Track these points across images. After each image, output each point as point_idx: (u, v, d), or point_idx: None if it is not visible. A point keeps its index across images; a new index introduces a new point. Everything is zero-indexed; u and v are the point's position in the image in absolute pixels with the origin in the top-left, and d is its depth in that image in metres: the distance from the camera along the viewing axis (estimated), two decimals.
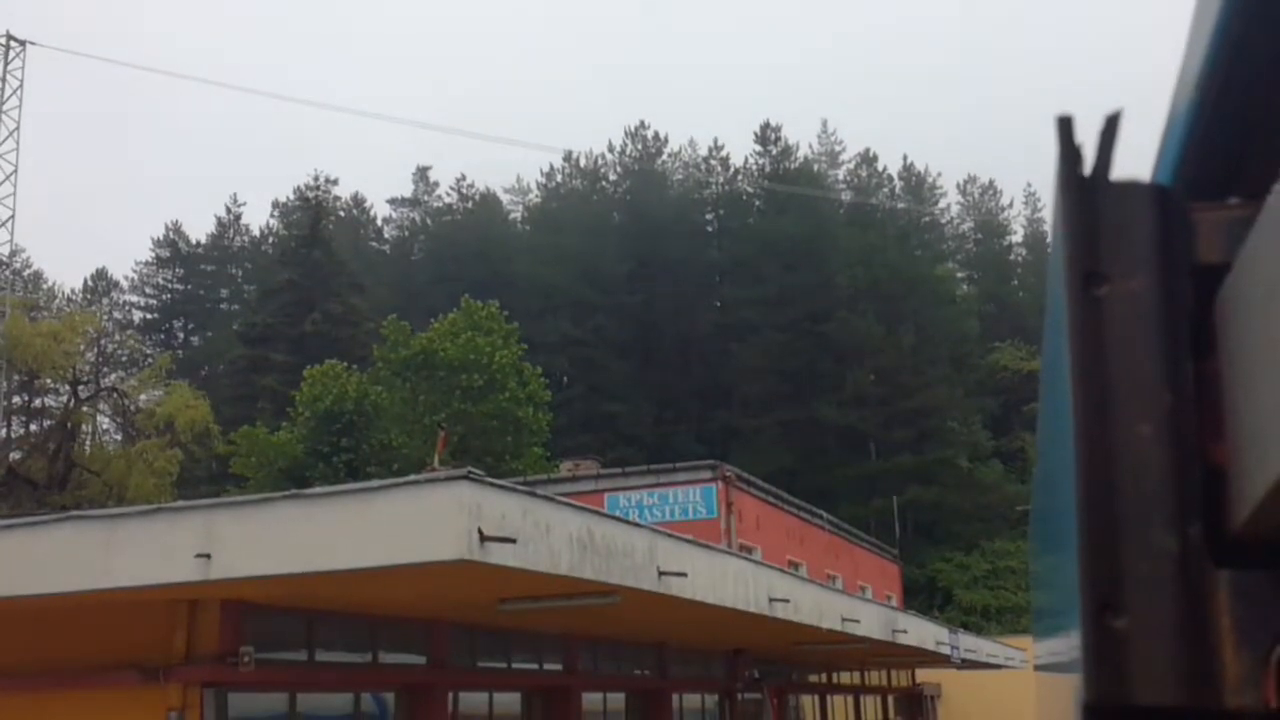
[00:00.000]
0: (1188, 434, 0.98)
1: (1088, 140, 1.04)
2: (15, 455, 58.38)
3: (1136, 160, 1.13)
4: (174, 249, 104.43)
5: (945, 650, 28.63)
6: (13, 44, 51.91)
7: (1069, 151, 1.03)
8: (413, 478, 10.81)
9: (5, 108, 51.35)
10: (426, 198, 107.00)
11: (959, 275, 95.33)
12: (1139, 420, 0.98)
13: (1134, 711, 0.94)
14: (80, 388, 57.54)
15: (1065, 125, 1.03)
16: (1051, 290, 1.28)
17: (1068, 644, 1.68)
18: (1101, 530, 0.97)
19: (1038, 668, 3.77)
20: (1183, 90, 1.17)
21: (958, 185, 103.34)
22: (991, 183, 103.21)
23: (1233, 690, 0.92)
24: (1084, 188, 1.02)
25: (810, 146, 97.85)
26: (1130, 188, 1.03)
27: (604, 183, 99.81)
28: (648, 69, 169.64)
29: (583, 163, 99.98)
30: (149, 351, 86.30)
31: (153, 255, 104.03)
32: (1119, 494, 0.97)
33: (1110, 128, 1.02)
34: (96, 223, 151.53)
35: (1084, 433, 0.98)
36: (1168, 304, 1.00)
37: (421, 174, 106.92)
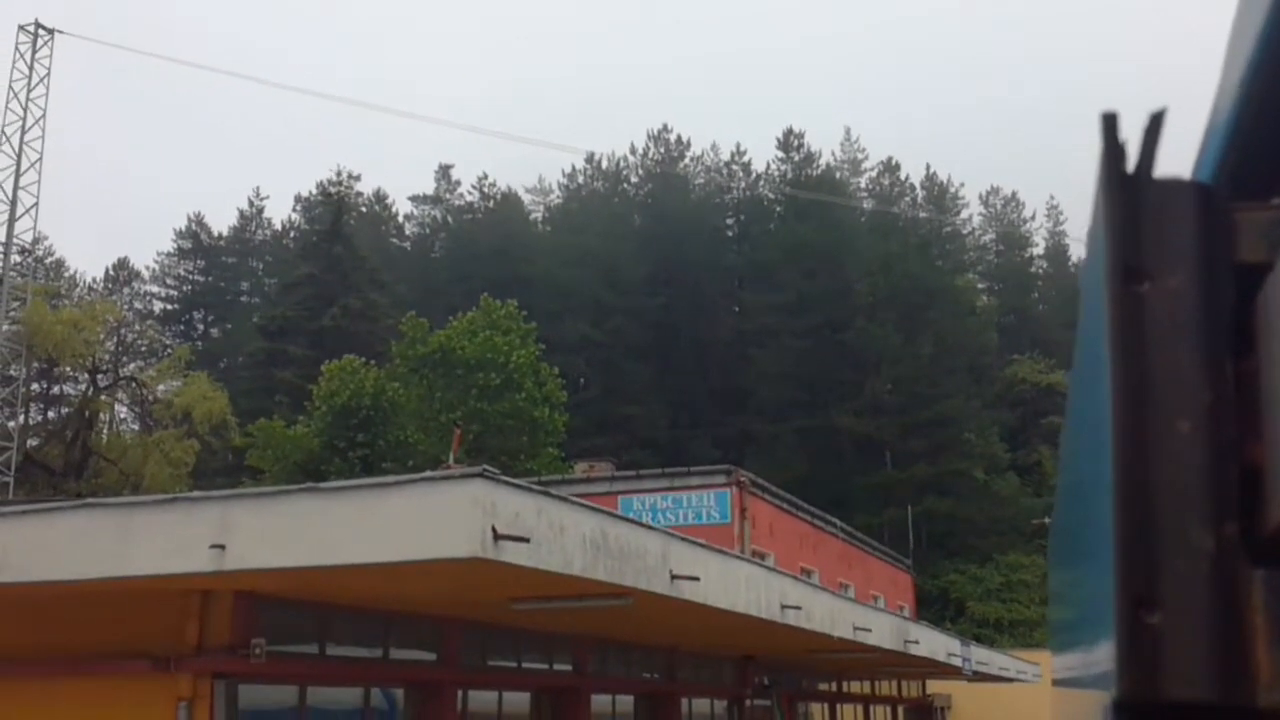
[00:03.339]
0: (1226, 432, 0.97)
1: (1131, 138, 1.03)
2: (33, 442, 58.79)
3: (1176, 160, 1.12)
4: (196, 240, 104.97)
5: (957, 662, 28.56)
6: (41, 33, 52.26)
7: (1112, 148, 1.02)
8: (428, 474, 10.81)
9: (32, 96, 51.69)
10: (448, 196, 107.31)
11: (979, 286, 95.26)
12: (1177, 417, 0.97)
13: (1165, 707, 0.94)
14: (99, 376, 57.91)
15: (1110, 122, 1.02)
16: (1089, 287, 1.27)
17: (1090, 656, 1.66)
18: (1137, 526, 0.96)
19: (1056, 682, 3.74)
20: (1226, 89, 1.16)
21: (980, 196, 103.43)
22: (1014, 194, 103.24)
23: (1266, 689, 0.92)
24: (1127, 185, 1.02)
25: (833, 154, 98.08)
26: (1173, 186, 1.02)
27: (625, 185, 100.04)
28: (671, 72, 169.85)
29: (604, 164, 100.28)
30: (168, 342, 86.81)
31: (174, 246, 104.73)
32: (1156, 490, 0.96)
33: (1154, 126, 1.02)
34: (119, 212, 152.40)
35: (1122, 428, 0.98)
36: (1208, 302, 1.00)
37: (444, 172, 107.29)
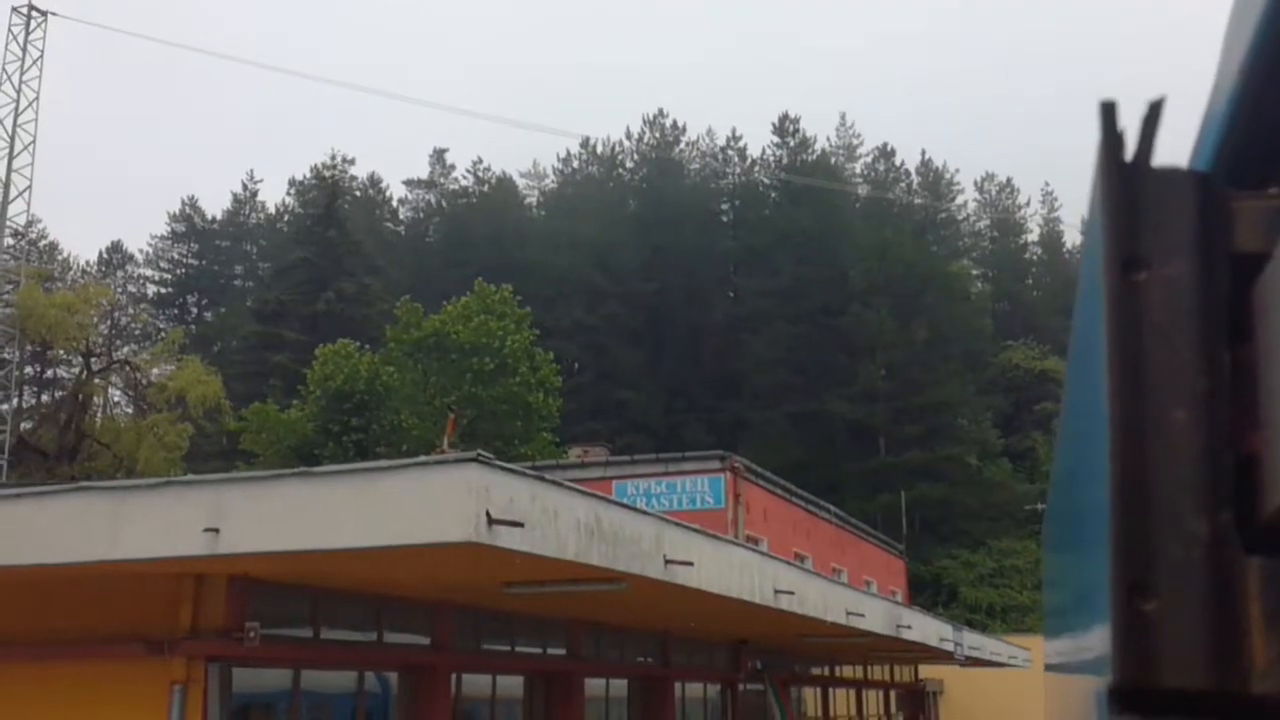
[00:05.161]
0: (1222, 421, 0.98)
1: (1130, 127, 1.03)
2: (26, 425, 58.66)
3: (1172, 152, 1.13)
4: (189, 224, 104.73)
5: (949, 647, 28.63)
6: (34, 14, 52.09)
7: (1111, 137, 1.02)
8: (422, 459, 10.81)
9: (25, 78, 51.54)
10: (443, 180, 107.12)
11: (974, 272, 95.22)
12: (1174, 405, 0.98)
13: (1160, 694, 0.95)
14: (93, 360, 57.76)
15: (1108, 110, 1.03)
16: (1087, 276, 1.27)
17: (1084, 642, 1.66)
18: (1133, 514, 0.96)
19: (1049, 668, 3.76)
20: (1223, 77, 1.16)
21: (975, 182, 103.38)
22: (1009, 181, 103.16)
23: (1260, 676, 0.93)
24: (1125, 174, 1.02)
25: (828, 139, 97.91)
26: (1171, 174, 1.02)
27: (620, 170, 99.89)
28: (667, 57, 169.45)
29: (600, 149, 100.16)
30: (162, 325, 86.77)
31: (168, 229, 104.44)
32: (1152, 478, 0.97)
33: (1153, 115, 1.02)
34: (113, 195, 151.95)
35: (1119, 417, 0.98)
36: (1206, 291, 1.00)
37: (438, 156, 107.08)
